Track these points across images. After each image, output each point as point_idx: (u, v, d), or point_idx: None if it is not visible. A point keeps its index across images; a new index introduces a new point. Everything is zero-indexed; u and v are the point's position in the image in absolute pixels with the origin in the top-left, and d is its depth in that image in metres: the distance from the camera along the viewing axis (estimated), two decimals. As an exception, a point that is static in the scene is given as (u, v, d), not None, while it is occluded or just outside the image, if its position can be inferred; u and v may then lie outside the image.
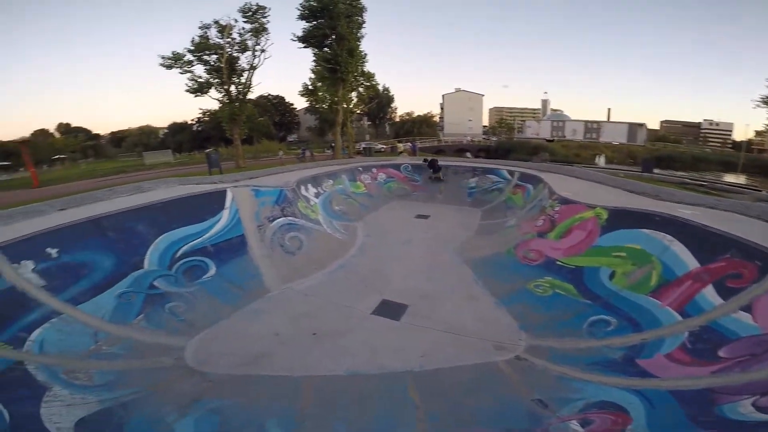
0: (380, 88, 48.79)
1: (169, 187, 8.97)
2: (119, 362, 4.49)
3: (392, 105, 63.91)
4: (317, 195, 10.82)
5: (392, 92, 62.30)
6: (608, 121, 67.89)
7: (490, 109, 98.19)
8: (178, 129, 60.02)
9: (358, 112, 32.88)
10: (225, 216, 7.67)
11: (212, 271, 6.59)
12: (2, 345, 3.94)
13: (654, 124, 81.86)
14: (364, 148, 33.80)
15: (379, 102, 52.00)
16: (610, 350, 4.58)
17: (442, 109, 72.64)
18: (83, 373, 4.10)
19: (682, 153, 45.74)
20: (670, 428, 3.29)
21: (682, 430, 3.25)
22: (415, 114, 66.98)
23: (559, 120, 70.49)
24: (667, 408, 3.48)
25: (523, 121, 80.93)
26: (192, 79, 21.92)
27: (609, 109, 74.10)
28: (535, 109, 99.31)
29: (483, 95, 74.01)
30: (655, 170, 23.18)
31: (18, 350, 3.99)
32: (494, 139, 58.92)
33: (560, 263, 6.65)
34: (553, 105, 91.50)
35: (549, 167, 13.17)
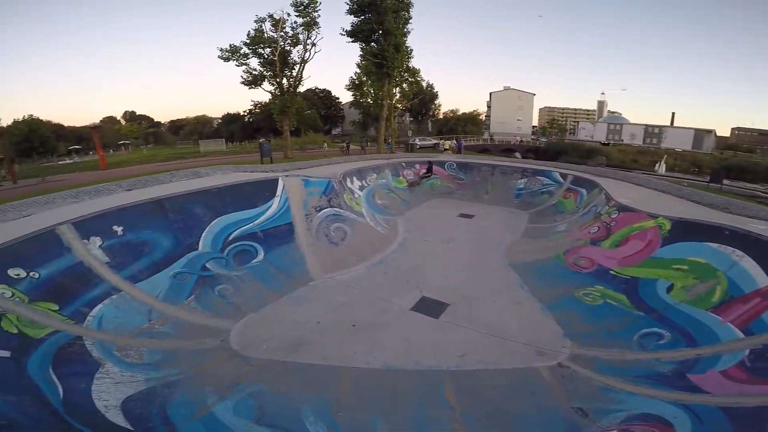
0: (424, 84, 48.36)
1: (224, 174, 9.51)
2: (168, 342, 4.73)
3: (436, 102, 63.04)
4: (361, 188, 11.01)
5: (436, 89, 61.42)
6: (672, 126, 61.91)
7: (541, 109, 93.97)
8: (231, 119, 63.47)
9: (401, 107, 32.88)
10: (276, 203, 8.02)
11: (260, 256, 6.91)
12: (66, 319, 4.23)
13: (724, 131, 73.78)
14: (414, 143, 33.39)
15: (423, 98, 51.53)
16: (660, 363, 4.42)
17: (488, 107, 70.52)
18: (134, 350, 4.33)
19: (755, 163, 40.82)
20: None
21: None
22: (460, 112, 65.61)
23: (616, 123, 65.50)
24: (715, 424, 3.33)
25: (577, 122, 76.46)
26: (247, 72, 23.03)
27: (673, 114, 67.50)
28: (589, 111, 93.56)
29: (534, 94, 70.76)
30: (725, 181, 20.83)
31: (79, 325, 4.27)
32: (544, 139, 56.11)
33: (614, 273, 6.32)
34: (610, 107, 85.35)
35: (605, 172, 12.40)
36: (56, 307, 4.28)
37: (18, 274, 4.27)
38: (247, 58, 22.74)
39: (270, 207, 7.86)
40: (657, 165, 33.57)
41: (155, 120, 75.81)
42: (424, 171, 13.87)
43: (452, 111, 65.98)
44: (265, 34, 22.43)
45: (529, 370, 4.48)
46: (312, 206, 8.55)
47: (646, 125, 61.76)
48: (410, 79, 27.87)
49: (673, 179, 19.88)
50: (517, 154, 34.46)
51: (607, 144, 54.91)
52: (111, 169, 23.95)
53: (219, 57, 22.45)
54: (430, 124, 63.02)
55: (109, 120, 68.41)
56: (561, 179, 11.78)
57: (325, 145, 31.81)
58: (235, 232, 7.03)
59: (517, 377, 4.37)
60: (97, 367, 3.81)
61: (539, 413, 3.82)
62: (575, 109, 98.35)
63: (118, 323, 4.58)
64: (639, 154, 48.34)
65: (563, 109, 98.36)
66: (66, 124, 56.73)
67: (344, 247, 8.10)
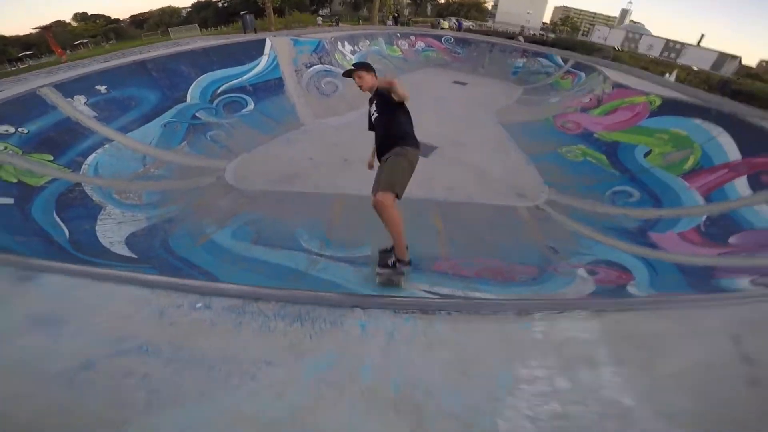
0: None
1: (206, 41, 8.88)
2: (165, 182, 4.82)
3: (437, -15, 56.24)
4: (353, 52, 10.54)
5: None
6: (696, 46, 56.76)
7: (556, 8, 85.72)
8: (202, 6, 56.36)
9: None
10: (264, 61, 7.71)
11: (251, 106, 6.88)
12: (62, 168, 4.26)
13: (751, 62, 68.21)
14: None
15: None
16: (627, 219, 4.67)
17: (496, -4, 63.69)
18: (133, 193, 4.41)
19: None
20: (671, 288, 3.41)
21: (680, 290, 3.37)
22: (465, -3, 59.11)
23: (635, 32, 59.70)
24: (668, 275, 3.56)
25: (593, 25, 70.12)
26: None
27: (702, 35, 60.26)
28: (610, 17, 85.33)
29: (550, -9, 63.58)
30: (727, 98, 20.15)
31: (75, 173, 4.30)
32: (552, 35, 51.71)
33: (597, 136, 6.50)
34: (634, 17, 77.45)
35: (609, 64, 11.66)
36: (51, 158, 4.30)
37: (7, 130, 4.21)
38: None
39: (258, 64, 7.55)
40: (667, 74, 31.89)
41: (113, 18, 66.55)
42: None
43: (456, -5, 59.30)
44: None
45: (510, 208, 4.75)
46: (302, 63, 8.25)
47: (668, 39, 56.86)
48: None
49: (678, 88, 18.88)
50: (520, 38, 31.29)
51: (620, 50, 51.32)
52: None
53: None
54: (429, 7, 57.10)
55: (59, 24, 59.45)
56: (561, 62, 11.31)
57: (320, 19, 28.39)
58: (223, 86, 6.86)
59: (497, 213, 4.63)
60: (99, 210, 3.91)
61: (516, 245, 4.06)
62: (594, 13, 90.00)
63: (114, 170, 4.65)
64: (651, 63, 45.48)
65: (581, 11, 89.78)
66: (7, 35, 49.51)
67: (336, 98, 8.04)
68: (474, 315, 1.47)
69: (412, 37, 13.23)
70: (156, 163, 5.16)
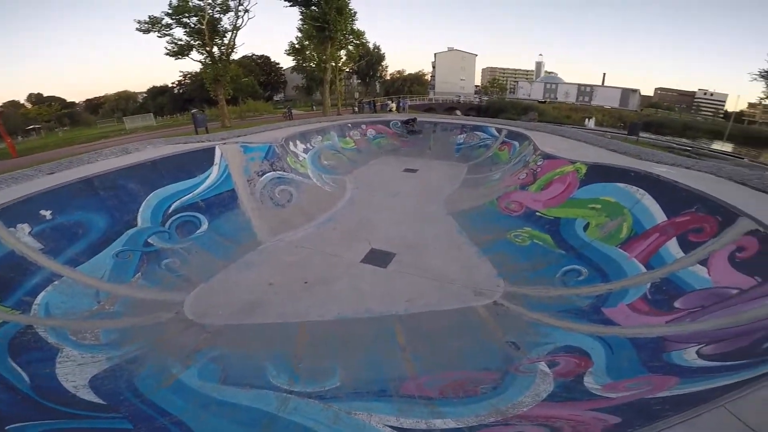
0: (371, 46, 47.37)
1: (156, 148, 8.86)
2: (122, 320, 4.63)
3: (383, 63, 61.69)
4: (306, 150, 10.90)
5: (383, 50, 60.13)
6: (602, 86, 66.18)
7: (483, 69, 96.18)
8: (158, 92, 57.51)
9: (347, 70, 31.96)
10: (215, 172, 7.75)
11: (204, 226, 6.77)
12: (10, 310, 4.04)
13: (648, 91, 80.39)
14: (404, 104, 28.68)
15: (369, 60, 50.45)
16: (579, 299, 4.87)
17: (433, 67, 70.72)
18: (90, 333, 4.25)
19: (672, 120, 45.86)
20: (625, 371, 3.50)
21: (633, 372, 3.45)
22: (406, 72, 65.01)
23: (552, 82, 68.68)
24: (624, 353, 3.73)
25: (516, 82, 79.11)
26: (171, 43, 21.03)
27: (604, 74, 71.57)
28: (528, 71, 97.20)
29: (476, 55, 72.02)
30: (643, 135, 23.22)
31: (26, 314, 4.10)
32: (485, 98, 57.65)
33: (539, 214, 6.97)
34: (547, 67, 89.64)
35: (536, 126, 13.27)
36: (-3, 300, 4.02)
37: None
38: (171, 29, 20.66)
39: (209, 176, 7.59)
40: (587, 120, 36.50)
41: (68, 100, 65.75)
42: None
43: (399, 72, 65.18)
44: (190, 3, 20.37)
45: (468, 309, 4.87)
46: (254, 171, 8.37)
47: (579, 84, 65.40)
48: (355, 41, 27.06)
49: (599, 132, 21.76)
50: (458, 112, 34.76)
51: (544, 102, 57.89)
52: (24, 156, 21.07)
53: (137, 29, 20.19)
54: (378, 86, 61.73)
55: (11, 105, 58.05)
56: (496, 133, 12.47)
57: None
58: (175, 204, 6.76)
59: (458, 317, 4.75)
60: (57, 352, 3.81)
61: (479, 348, 4.19)
62: (515, 70, 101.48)
63: (66, 308, 4.44)
64: (572, 110, 51.73)
65: (504, 69, 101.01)
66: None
67: (291, 209, 8.12)
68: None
69: (363, 126, 14.05)
70: (110, 300, 4.91)
